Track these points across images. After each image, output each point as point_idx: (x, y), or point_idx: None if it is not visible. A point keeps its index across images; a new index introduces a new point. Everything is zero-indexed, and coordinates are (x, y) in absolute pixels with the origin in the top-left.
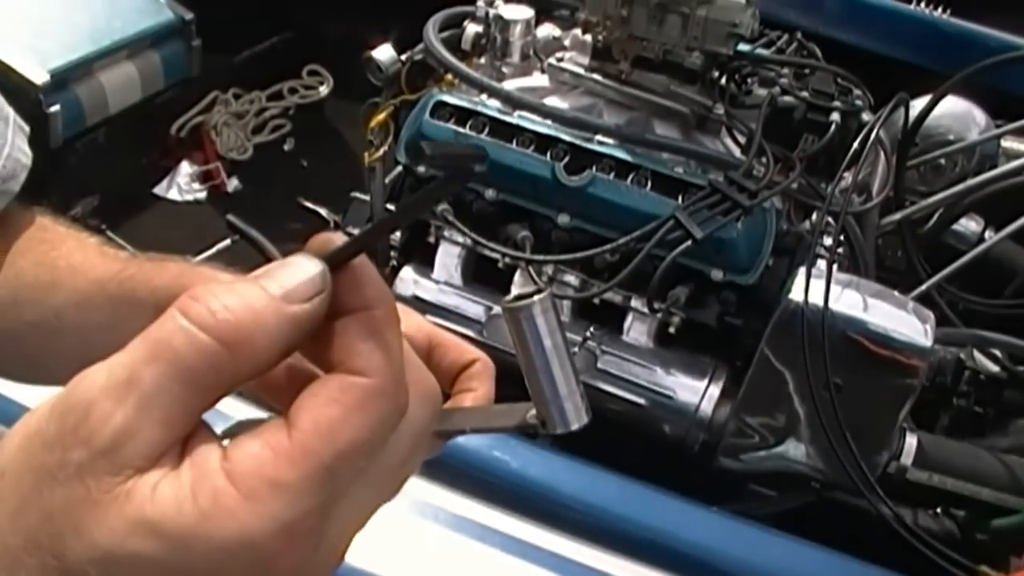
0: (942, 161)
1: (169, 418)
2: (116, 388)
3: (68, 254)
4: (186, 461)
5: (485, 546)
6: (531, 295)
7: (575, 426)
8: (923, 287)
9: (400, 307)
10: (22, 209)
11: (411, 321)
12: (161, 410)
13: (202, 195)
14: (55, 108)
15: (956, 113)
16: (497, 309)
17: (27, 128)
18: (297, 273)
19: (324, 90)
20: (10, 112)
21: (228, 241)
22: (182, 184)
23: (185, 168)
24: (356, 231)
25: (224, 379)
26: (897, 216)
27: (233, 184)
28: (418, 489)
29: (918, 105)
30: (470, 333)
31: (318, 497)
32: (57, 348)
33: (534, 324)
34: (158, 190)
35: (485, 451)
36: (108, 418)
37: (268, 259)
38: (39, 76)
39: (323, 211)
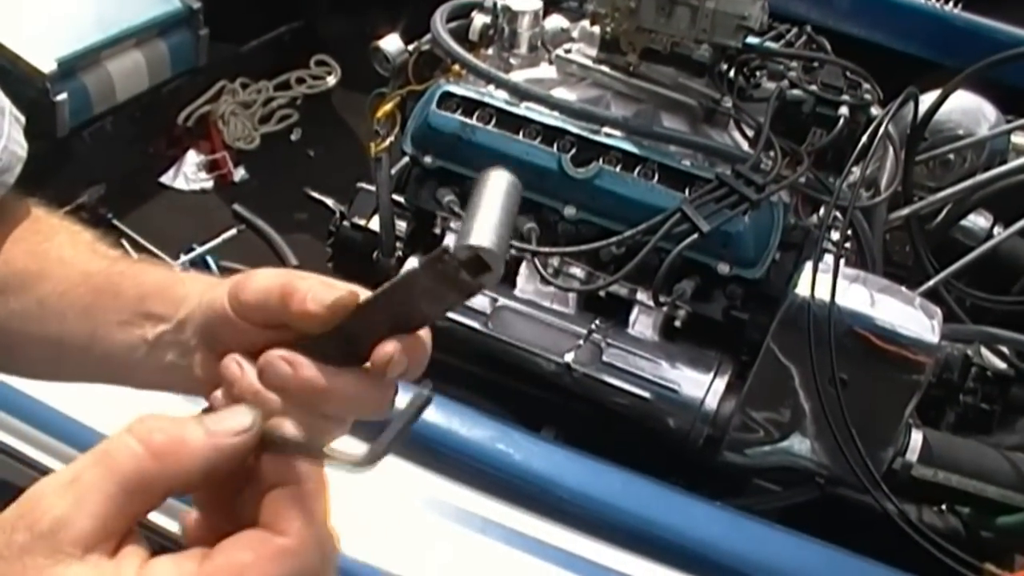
0: (951, 156)
1: (101, 513)
2: (62, 485)
3: (59, 246)
4: (111, 560)
5: (487, 539)
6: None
7: (484, 242)
8: (931, 283)
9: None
10: (17, 199)
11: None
12: (94, 505)
13: (209, 184)
14: (62, 97)
15: (966, 108)
16: (503, 301)
17: (23, 119)
18: (233, 416)
19: (331, 80)
20: (6, 104)
21: (234, 230)
22: (189, 173)
23: (192, 157)
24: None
25: (154, 487)
26: (905, 211)
27: (240, 174)
28: (421, 482)
29: (928, 100)
30: (475, 325)
31: None
32: (36, 335)
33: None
34: (165, 179)
35: (488, 444)
36: (50, 508)
37: (273, 248)
38: (47, 65)
39: (329, 201)
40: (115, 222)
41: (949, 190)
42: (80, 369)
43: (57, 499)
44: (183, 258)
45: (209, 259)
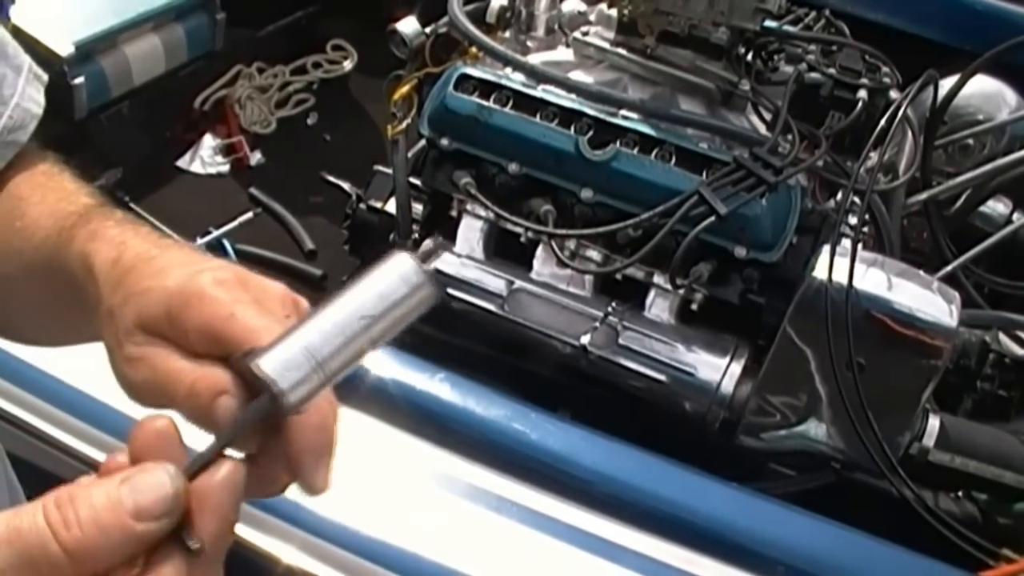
0: (970, 141)
1: None
2: None
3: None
4: None
5: (502, 517)
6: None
7: (275, 381)
8: (949, 268)
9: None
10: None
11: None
12: None
13: (225, 168)
14: (79, 80)
15: (986, 92)
16: (519, 283)
17: (45, 77)
18: (153, 488)
19: (348, 65)
20: (25, 60)
21: (250, 214)
22: (205, 157)
23: (208, 141)
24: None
25: (57, 568)
26: (923, 196)
27: (256, 158)
28: (435, 459)
29: (947, 84)
30: (491, 307)
31: None
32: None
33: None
34: (181, 163)
35: (504, 422)
36: None
37: (289, 231)
38: (64, 48)
39: (346, 185)
40: (132, 205)
41: (968, 175)
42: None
43: None
44: (199, 241)
45: (225, 242)
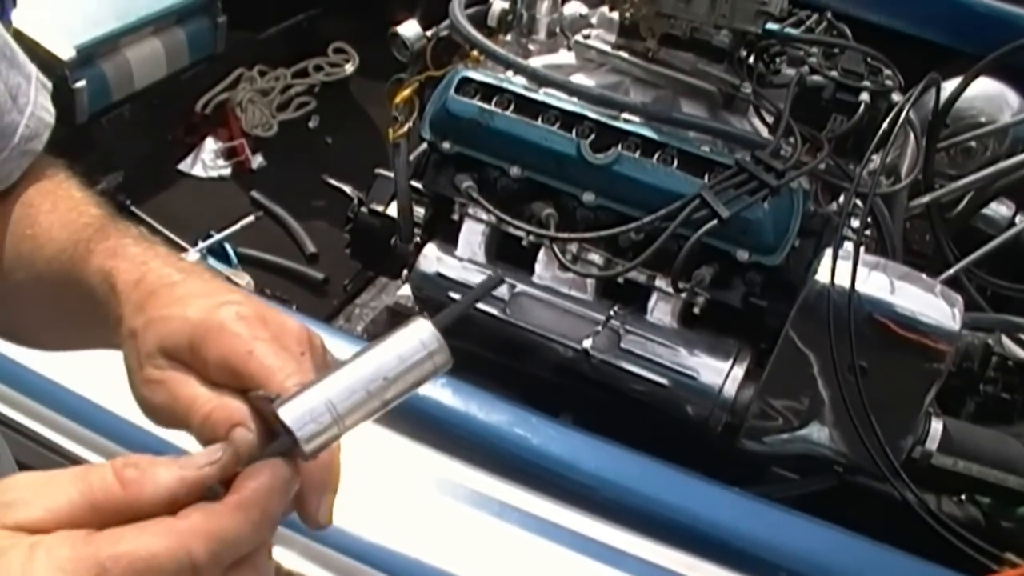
0: (973, 143)
1: (55, 510)
2: (38, 477)
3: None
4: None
5: (504, 522)
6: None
7: (295, 429)
8: (951, 271)
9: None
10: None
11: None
12: (53, 503)
13: (226, 172)
14: (81, 84)
15: (988, 95)
16: (521, 287)
17: (49, 85)
18: (205, 454)
19: (350, 68)
20: (32, 70)
21: (252, 217)
22: (207, 160)
23: (210, 144)
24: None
25: (117, 509)
26: (926, 199)
27: (257, 161)
28: (437, 465)
29: (949, 86)
30: (493, 311)
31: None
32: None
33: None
34: (183, 166)
35: (506, 428)
36: (17, 488)
37: (291, 235)
38: (65, 52)
39: (347, 188)
40: (133, 209)
41: (970, 178)
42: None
43: (27, 485)
44: (201, 245)
45: (227, 246)
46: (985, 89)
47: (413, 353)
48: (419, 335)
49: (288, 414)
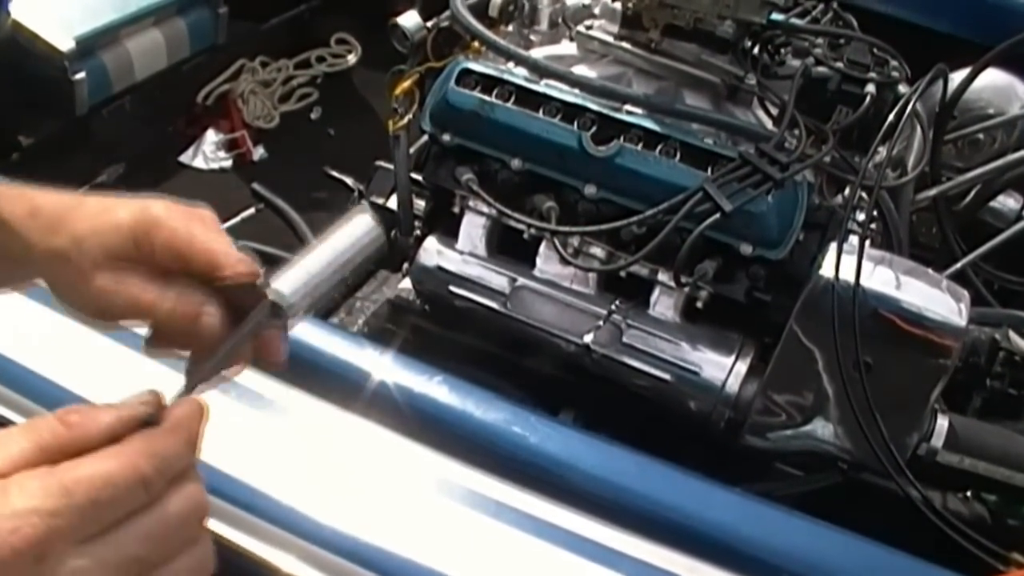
0: (980, 136)
1: (9, 456)
2: None
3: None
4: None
5: (501, 523)
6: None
7: (288, 296)
8: (958, 265)
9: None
10: None
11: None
12: (4, 451)
13: (228, 163)
14: (81, 75)
15: (996, 86)
16: (522, 280)
17: None
18: (138, 396)
19: (352, 59)
20: None
21: (253, 209)
22: (208, 152)
23: (211, 136)
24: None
25: (61, 447)
26: (932, 192)
27: (259, 152)
28: (434, 464)
29: (957, 78)
30: (494, 305)
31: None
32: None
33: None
34: (184, 158)
35: (503, 426)
36: None
37: (292, 227)
38: (65, 43)
39: (348, 180)
40: None
41: (978, 170)
42: None
43: None
44: None
45: None
46: (993, 80)
47: (360, 237)
48: (363, 223)
49: (282, 286)
